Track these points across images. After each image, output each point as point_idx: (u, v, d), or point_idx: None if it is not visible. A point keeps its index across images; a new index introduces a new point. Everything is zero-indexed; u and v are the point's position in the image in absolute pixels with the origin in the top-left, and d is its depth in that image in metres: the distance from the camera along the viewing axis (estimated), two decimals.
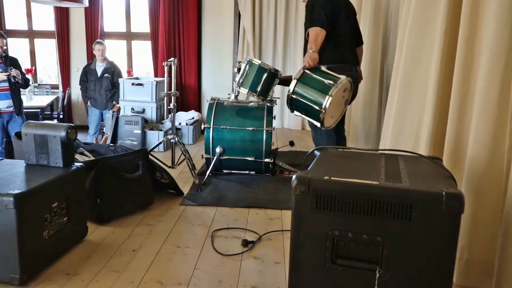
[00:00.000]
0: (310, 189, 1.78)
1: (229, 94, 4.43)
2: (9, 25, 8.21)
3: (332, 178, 1.79)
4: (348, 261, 1.80)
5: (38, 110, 6.72)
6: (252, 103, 4.60)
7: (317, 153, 2.30)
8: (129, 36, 8.26)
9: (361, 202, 1.74)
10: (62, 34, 7.96)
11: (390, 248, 1.74)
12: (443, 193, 1.67)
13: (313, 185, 1.78)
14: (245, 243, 3.04)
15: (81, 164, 2.96)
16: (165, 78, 4.59)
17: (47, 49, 8.47)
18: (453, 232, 1.69)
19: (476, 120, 2.25)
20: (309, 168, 2.00)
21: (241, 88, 3.91)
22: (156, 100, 6.47)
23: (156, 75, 7.86)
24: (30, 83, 5.79)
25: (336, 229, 1.78)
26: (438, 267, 1.71)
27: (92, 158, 3.70)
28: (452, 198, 1.66)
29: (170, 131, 4.84)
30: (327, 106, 3.28)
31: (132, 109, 6.47)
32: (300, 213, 1.81)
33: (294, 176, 1.82)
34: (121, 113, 6.39)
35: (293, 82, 3.45)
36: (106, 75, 6.47)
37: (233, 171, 4.57)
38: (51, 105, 7.69)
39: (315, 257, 1.82)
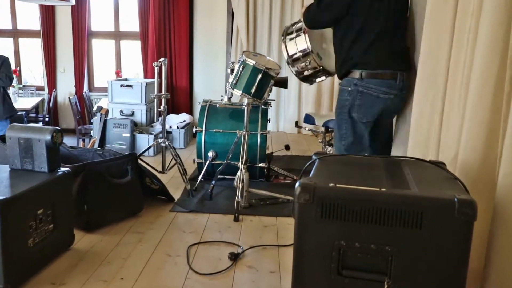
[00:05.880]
0: (315, 197, 1.73)
1: (222, 96, 4.37)
2: None
3: (338, 185, 1.74)
4: (355, 272, 1.76)
5: (23, 112, 6.63)
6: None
7: (314, 157, 2.25)
8: (117, 35, 8.20)
9: (369, 210, 1.69)
10: (48, 34, 7.87)
11: (400, 258, 1.70)
12: (455, 199, 1.63)
13: (318, 193, 1.73)
14: (232, 256, 2.96)
15: (67, 169, 2.92)
16: (155, 80, 4.54)
17: (32, 49, 8.38)
18: (466, 240, 1.66)
19: (468, 123, 2.23)
20: (310, 175, 1.95)
21: (234, 89, 3.86)
22: (146, 102, 6.41)
23: (146, 76, 7.79)
24: (14, 83, 5.62)
25: (343, 238, 1.74)
26: (450, 277, 1.68)
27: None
28: (464, 205, 1.63)
29: (161, 135, 4.78)
30: None
31: (121, 111, 6.40)
32: (304, 222, 1.77)
33: (297, 184, 1.77)
34: (109, 115, 6.32)
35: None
36: None
37: (226, 176, 4.51)
38: (36, 108, 7.62)
39: (320, 269, 1.77)
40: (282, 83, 4.31)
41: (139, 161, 3.81)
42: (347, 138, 3.34)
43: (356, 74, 3.23)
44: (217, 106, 4.55)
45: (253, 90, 3.78)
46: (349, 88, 3.26)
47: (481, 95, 2.14)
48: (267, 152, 4.70)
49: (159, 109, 4.57)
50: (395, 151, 3.44)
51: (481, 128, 2.16)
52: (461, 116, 2.36)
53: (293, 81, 7.37)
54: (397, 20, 3.29)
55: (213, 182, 4.19)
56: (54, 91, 7.88)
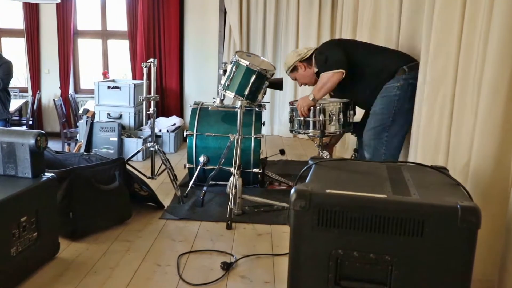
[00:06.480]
0: (311, 204, 1.72)
1: (214, 98, 4.36)
2: None
3: (335, 191, 1.73)
4: (354, 283, 1.75)
5: None
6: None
7: (311, 162, 2.24)
8: (104, 34, 8.18)
9: (368, 217, 1.69)
10: (32, 33, 7.85)
11: (400, 268, 1.70)
12: (458, 206, 1.63)
13: (315, 199, 1.73)
14: (225, 265, 2.94)
15: (52, 174, 2.90)
16: (144, 81, 4.53)
17: (15, 49, 8.35)
18: (469, 249, 1.66)
19: (480, 129, 2.23)
20: (307, 181, 1.95)
21: (227, 91, 3.85)
22: (134, 104, 6.39)
23: (134, 78, 7.78)
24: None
25: (340, 247, 1.73)
26: None
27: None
28: (468, 212, 1.62)
29: (150, 139, 4.78)
30: None
31: (108, 114, 6.38)
32: (300, 230, 1.76)
33: (293, 190, 1.76)
34: (96, 118, 6.30)
35: None
36: None
37: (218, 182, 4.50)
38: (20, 110, 7.58)
39: (316, 279, 1.76)
40: (277, 84, 4.31)
41: (127, 166, 3.80)
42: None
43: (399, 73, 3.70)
44: (209, 108, 4.54)
45: (246, 92, 3.77)
46: (398, 84, 3.64)
47: (493, 99, 2.14)
48: (261, 156, 4.69)
49: (148, 112, 4.55)
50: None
51: (494, 134, 2.16)
52: (473, 121, 2.36)
53: (288, 83, 7.37)
54: None
55: (205, 188, 4.16)
56: (38, 93, 7.83)
